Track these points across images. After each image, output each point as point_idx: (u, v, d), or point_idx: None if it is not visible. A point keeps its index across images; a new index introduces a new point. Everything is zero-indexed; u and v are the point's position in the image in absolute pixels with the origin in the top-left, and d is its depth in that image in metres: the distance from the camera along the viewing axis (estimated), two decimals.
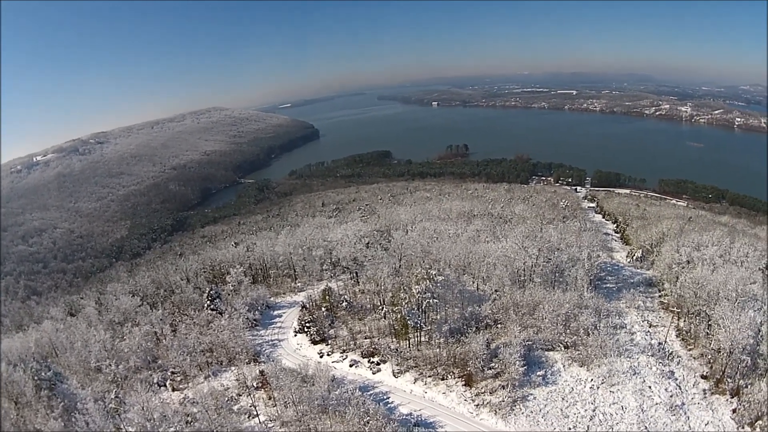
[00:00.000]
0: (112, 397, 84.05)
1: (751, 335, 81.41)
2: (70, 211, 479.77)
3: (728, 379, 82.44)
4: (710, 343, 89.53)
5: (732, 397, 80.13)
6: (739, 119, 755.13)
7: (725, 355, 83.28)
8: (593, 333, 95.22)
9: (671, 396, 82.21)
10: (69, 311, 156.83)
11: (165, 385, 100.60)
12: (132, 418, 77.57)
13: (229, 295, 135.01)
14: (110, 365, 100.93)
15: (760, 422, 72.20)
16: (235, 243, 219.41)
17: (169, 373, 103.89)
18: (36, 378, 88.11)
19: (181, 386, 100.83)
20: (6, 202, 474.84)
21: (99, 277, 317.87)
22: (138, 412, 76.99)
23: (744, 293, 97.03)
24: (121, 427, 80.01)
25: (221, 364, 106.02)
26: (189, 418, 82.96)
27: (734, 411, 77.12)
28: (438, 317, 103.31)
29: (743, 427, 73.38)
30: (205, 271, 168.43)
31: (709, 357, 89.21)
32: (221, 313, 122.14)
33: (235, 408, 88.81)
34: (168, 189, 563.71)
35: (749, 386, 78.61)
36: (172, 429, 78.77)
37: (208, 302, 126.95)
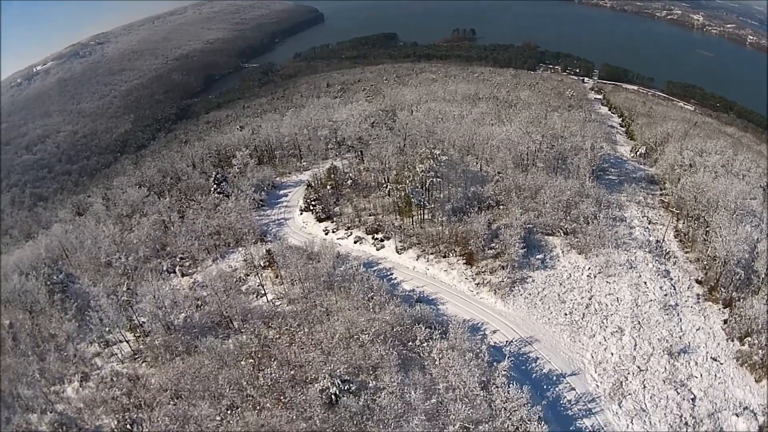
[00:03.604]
0: (124, 289, 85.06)
1: (746, 249, 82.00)
2: (73, 113, 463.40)
3: (722, 289, 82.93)
4: (707, 250, 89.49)
5: (724, 308, 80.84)
6: (752, 37, 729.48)
7: (720, 264, 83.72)
8: (593, 222, 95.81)
9: (665, 295, 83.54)
10: (77, 211, 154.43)
11: (174, 272, 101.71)
12: (144, 308, 79.51)
13: (235, 177, 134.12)
14: (120, 258, 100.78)
15: (749, 338, 73.02)
16: (240, 126, 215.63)
17: (178, 259, 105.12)
18: (48, 283, 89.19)
19: (190, 271, 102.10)
20: (7, 116, 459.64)
21: (104, 173, 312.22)
22: (150, 302, 78.72)
23: (743, 207, 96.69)
24: (134, 318, 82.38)
25: (229, 245, 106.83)
26: (199, 302, 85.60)
27: (725, 322, 77.91)
28: (441, 196, 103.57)
29: (732, 341, 74.42)
30: (210, 156, 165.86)
31: (705, 263, 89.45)
32: (228, 196, 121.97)
33: (243, 288, 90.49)
34: (171, 79, 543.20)
35: (742, 300, 78.90)
36: (183, 314, 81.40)
37: (215, 186, 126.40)
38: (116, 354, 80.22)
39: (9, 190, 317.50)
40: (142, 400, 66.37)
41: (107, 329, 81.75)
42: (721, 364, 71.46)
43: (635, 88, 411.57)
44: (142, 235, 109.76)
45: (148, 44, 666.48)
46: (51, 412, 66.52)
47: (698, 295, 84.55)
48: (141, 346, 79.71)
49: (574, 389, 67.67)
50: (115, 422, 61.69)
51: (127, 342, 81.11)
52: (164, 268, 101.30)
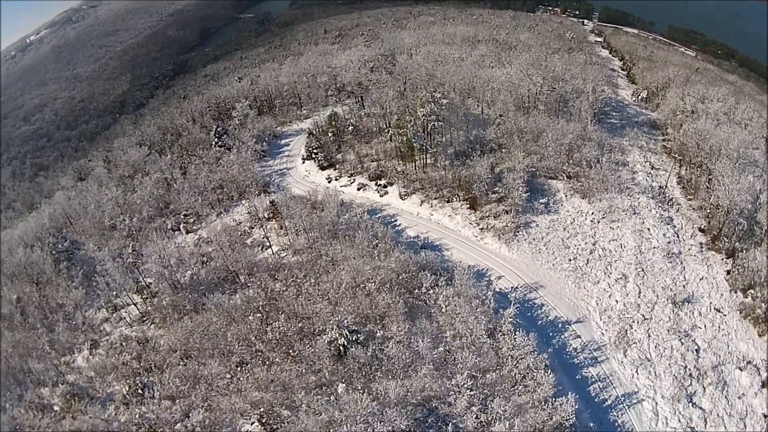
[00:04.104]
0: (129, 251, 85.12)
1: (749, 200, 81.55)
2: (69, 79, 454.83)
3: (725, 239, 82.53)
4: (709, 198, 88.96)
5: (727, 258, 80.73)
6: None
7: (723, 213, 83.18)
8: (595, 166, 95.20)
9: (669, 242, 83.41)
10: (78, 177, 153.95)
11: (179, 229, 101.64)
12: (150, 269, 79.51)
13: (235, 129, 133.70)
14: (124, 220, 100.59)
15: (752, 291, 72.96)
16: (238, 78, 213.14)
17: (182, 216, 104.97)
18: (53, 252, 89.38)
19: (194, 227, 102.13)
20: (4, 89, 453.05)
21: (104, 135, 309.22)
22: (155, 262, 78.48)
23: (745, 156, 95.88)
24: (140, 280, 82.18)
25: (232, 199, 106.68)
26: (205, 259, 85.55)
27: (728, 273, 77.80)
28: (443, 140, 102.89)
29: (736, 292, 74.35)
30: (210, 110, 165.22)
31: (708, 211, 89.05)
32: (229, 149, 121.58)
33: (248, 242, 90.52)
34: (166, 36, 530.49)
35: (745, 251, 78.59)
36: (189, 272, 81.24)
37: (216, 139, 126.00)
38: (124, 318, 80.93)
39: (9, 163, 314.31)
40: (152, 363, 67.03)
41: (114, 293, 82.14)
42: (725, 315, 71.80)
43: (636, 31, 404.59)
44: (145, 194, 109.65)
45: (141, 2, 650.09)
46: (62, 384, 67.16)
47: (701, 243, 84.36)
48: (149, 308, 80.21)
49: (579, 337, 68.20)
50: (127, 388, 62.39)
51: (135, 305, 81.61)
52: (168, 227, 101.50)
